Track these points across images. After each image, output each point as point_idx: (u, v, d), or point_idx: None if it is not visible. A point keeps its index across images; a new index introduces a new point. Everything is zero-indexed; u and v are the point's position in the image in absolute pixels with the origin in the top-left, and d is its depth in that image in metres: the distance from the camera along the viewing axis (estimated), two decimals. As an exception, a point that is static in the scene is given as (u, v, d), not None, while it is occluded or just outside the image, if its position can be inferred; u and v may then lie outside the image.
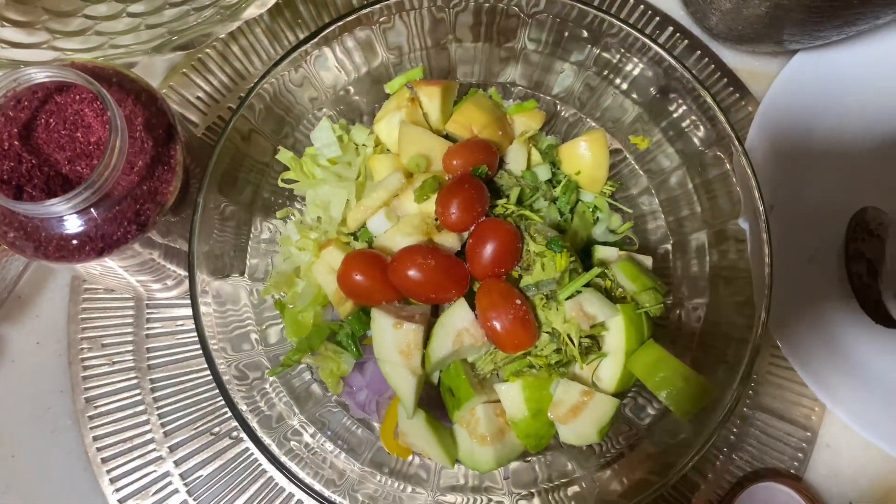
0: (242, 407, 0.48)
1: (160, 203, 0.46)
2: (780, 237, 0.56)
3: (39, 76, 0.42)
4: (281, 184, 0.56)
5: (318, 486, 0.48)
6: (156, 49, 0.51)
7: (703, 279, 0.54)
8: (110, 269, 0.49)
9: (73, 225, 0.44)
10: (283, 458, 0.48)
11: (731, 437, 0.61)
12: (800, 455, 0.61)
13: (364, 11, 0.52)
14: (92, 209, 0.44)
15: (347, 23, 0.52)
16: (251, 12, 0.52)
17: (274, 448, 0.48)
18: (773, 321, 0.60)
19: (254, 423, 0.48)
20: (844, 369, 0.60)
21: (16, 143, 0.44)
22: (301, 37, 0.66)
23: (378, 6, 0.53)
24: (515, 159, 0.56)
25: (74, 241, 0.45)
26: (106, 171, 0.42)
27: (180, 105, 0.65)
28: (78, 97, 0.45)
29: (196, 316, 0.48)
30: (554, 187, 0.57)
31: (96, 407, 0.61)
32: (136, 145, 0.45)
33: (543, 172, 0.57)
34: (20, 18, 0.58)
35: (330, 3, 0.67)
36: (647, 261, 0.55)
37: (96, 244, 0.45)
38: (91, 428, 0.61)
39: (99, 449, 0.60)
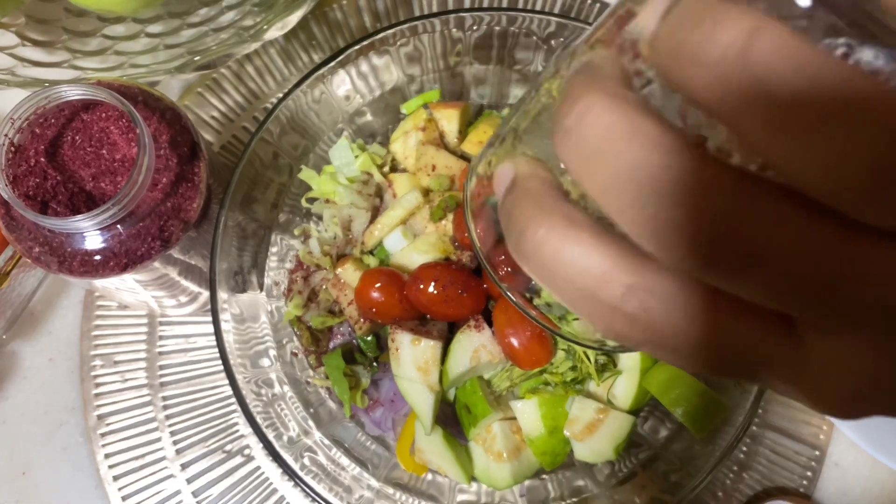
0: (260, 422, 0.48)
1: (184, 220, 0.46)
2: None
3: (70, 94, 0.43)
4: (304, 203, 0.57)
5: (335, 502, 0.48)
6: (178, 69, 0.52)
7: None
8: (126, 284, 0.50)
9: (98, 241, 0.45)
10: (301, 474, 0.48)
11: (741, 455, 0.62)
12: (808, 474, 0.62)
13: (380, 36, 0.54)
14: (117, 225, 0.44)
15: (363, 46, 0.54)
16: (272, 34, 0.53)
17: (292, 463, 0.48)
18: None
19: (272, 438, 0.48)
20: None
21: (42, 159, 0.45)
22: (315, 58, 0.67)
23: (393, 30, 0.54)
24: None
25: (98, 257, 0.45)
26: (133, 188, 0.42)
27: (195, 124, 0.65)
28: (104, 115, 0.46)
29: (217, 333, 0.48)
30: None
31: (108, 424, 0.61)
32: (161, 162, 0.46)
33: None
34: (40, 38, 0.59)
35: (344, 25, 0.68)
36: None
37: (120, 260, 0.45)
38: (103, 445, 0.60)
39: (110, 466, 0.60)
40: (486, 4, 0.68)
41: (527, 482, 0.54)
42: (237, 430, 0.61)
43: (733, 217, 0.16)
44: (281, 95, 0.53)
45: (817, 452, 0.62)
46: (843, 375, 0.18)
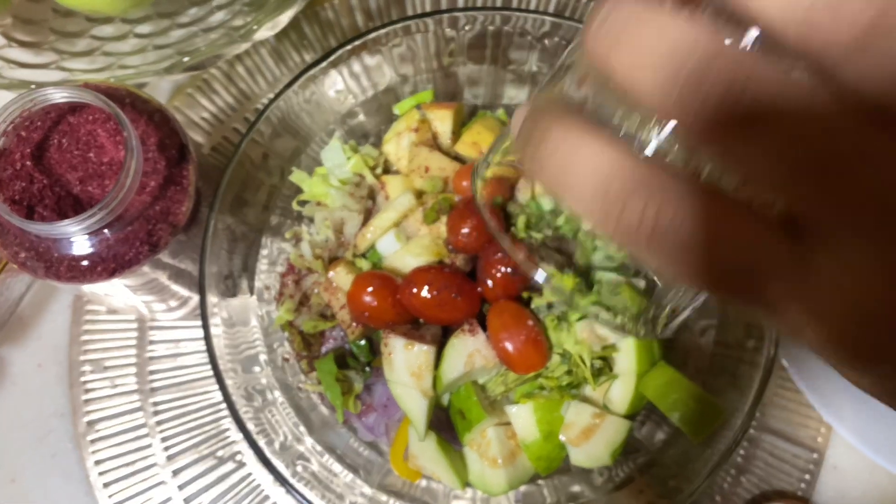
0: (251, 428, 0.48)
1: (172, 223, 0.46)
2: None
3: (56, 96, 0.42)
4: (296, 206, 0.56)
5: (328, 510, 0.47)
6: (167, 69, 0.51)
7: (710, 301, 0.55)
8: (115, 289, 0.49)
9: (85, 245, 0.44)
10: (293, 481, 0.47)
11: (739, 459, 0.61)
12: (807, 477, 0.61)
13: (372, 35, 0.53)
14: (105, 230, 0.44)
15: (356, 46, 0.53)
16: (263, 34, 0.52)
17: (283, 470, 0.47)
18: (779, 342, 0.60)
19: (263, 445, 0.47)
20: (850, 390, 0.60)
21: (28, 163, 0.44)
22: (307, 58, 0.66)
23: (386, 30, 0.53)
24: (521, 189, 0.57)
25: (86, 262, 0.44)
26: (120, 191, 0.41)
27: (185, 125, 0.65)
28: (91, 117, 0.45)
29: (207, 337, 0.47)
30: (557, 216, 0.58)
31: (98, 430, 0.60)
32: (150, 165, 0.45)
33: (547, 203, 0.57)
34: (27, 39, 0.58)
35: (336, 25, 0.67)
36: (640, 283, 0.55)
37: (108, 265, 0.44)
38: (92, 452, 0.60)
39: (100, 473, 0.59)
40: (479, 4, 0.68)
41: (522, 488, 0.53)
42: (228, 436, 0.60)
43: (743, 76, 0.17)
44: (272, 96, 0.52)
45: (815, 455, 0.62)
46: (846, 285, 0.18)
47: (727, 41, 0.18)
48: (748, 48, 0.18)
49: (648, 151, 0.21)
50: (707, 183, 0.19)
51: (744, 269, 0.19)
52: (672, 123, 0.20)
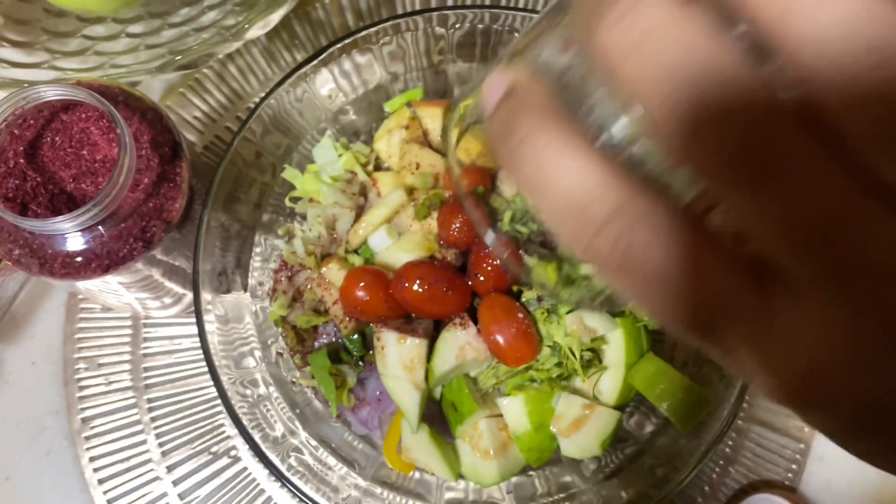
0: (246, 422, 0.48)
1: (166, 220, 0.46)
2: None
3: (49, 94, 0.42)
4: (288, 203, 0.57)
5: (322, 501, 0.48)
6: (159, 68, 0.52)
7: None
8: (110, 287, 0.49)
9: (79, 242, 0.44)
10: (287, 474, 0.48)
11: (727, 449, 0.62)
12: (794, 467, 0.62)
13: (362, 34, 0.53)
14: (99, 226, 0.44)
15: (346, 44, 0.53)
16: (254, 33, 0.53)
17: (278, 464, 0.48)
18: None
19: (258, 439, 0.48)
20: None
21: (21, 160, 0.44)
22: (298, 57, 0.67)
23: (376, 28, 0.54)
24: (507, 183, 0.57)
25: (80, 259, 0.45)
26: (114, 188, 0.42)
27: (178, 124, 0.65)
28: (84, 115, 0.45)
29: (201, 334, 0.48)
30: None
31: (92, 427, 0.60)
32: (143, 163, 0.46)
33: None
34: (19, 38, 0.58)
35: (326, 24, 0.67)
36: None
37: (102, 261, 0.45)
38: (87, 449, 0.60)
39: (95, 470, 0.60)
40: (469, 2, 0.68)
41: (514, 479, 0.54)
42: (223, 432, 0.61)
43: (764, 129, 0.16)
44: (264, 95, 0.52)
45: (802, 446, 0.62)
46: (805, 341, 0.18)
47: (755, 74, 0.17)
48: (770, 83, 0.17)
49: (617, 135, 0.20)
50: (684, 210, 0.19)
51: (709, 309, 0.19)
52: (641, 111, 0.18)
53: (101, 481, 0.59)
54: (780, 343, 0.18)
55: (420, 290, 0.49)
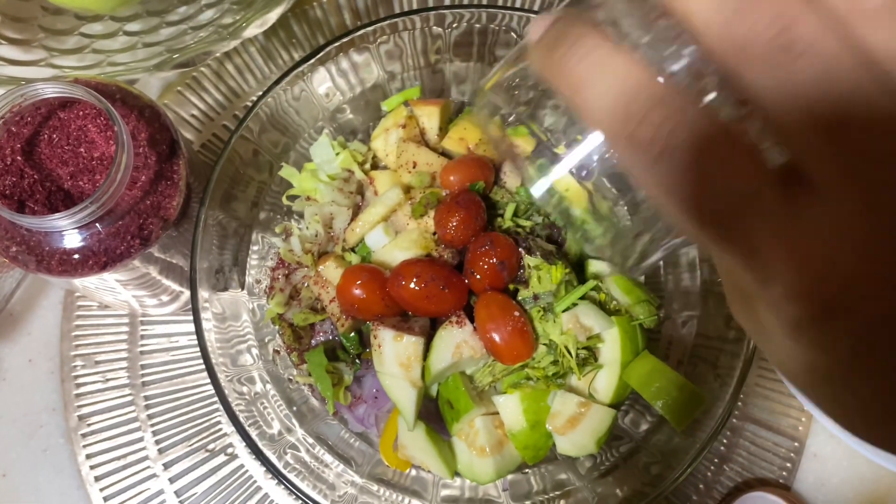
0: (243, 419, 0.48)
1: (163, 218, 0.46)
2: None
3: (47, 91, 0.42)
4: (285, 201, 0.57)
5: (319, 498, 0.48)
6: (157, 67, 0.52)
7: (693, 293, 0.56)
8: (107, 284, 0.49)
9: (77, 239, 0.44)
10: (284, 471, 0.48)
11: (722, 448, 0.62)
12: (788, 465, 0.62)
13: (360, 33, 0.54)
14: (96, 224, 0.44)
15: (343, 43, 0.53)
16: (251, 32, 0.53)
17: (275, 461, 0.48)
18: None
19: (255, 436, 0.48)
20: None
21: (18, 158, 0.44)
22: (295, 56, 0.67)
23: (373, 27, 0.54)
24: (510, 176, 0.58)
25: (77, 256, 0.45)
26: (111, 186, 0.42)
27: (175, 122, 0.65)
28: (82, 113, 0.46)
29: (198, 331, 0.48)
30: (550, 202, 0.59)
31: (89, 425, 0.60)
32: (140, 160, 0.46)
33: (536, 191, 0.58)
34: (17, 36, 0.58)
35: (324, 23, 0.68)
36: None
37: (99, 258, 0.45)
38: (84, 446, 0.60)
39: (92, 467, 0.60)
40: (466, 2, 0.68)
41: (510, 476, 0.54)
42: (220, 429, 0.61)
43: (787, 23, 0.19)
44: (261, 93, 0.53)
45: (796, 444, 0.63)
46: (826, 235, 0.19)
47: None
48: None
49: (675, 68, 0.22)
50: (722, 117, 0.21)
51: (737, 203, 0.20)
52: (694, 48, 0.21)
53: (97, 478, 0.59)
54: (807, 234, 0.20)
55: (417, 288, 0.49)
